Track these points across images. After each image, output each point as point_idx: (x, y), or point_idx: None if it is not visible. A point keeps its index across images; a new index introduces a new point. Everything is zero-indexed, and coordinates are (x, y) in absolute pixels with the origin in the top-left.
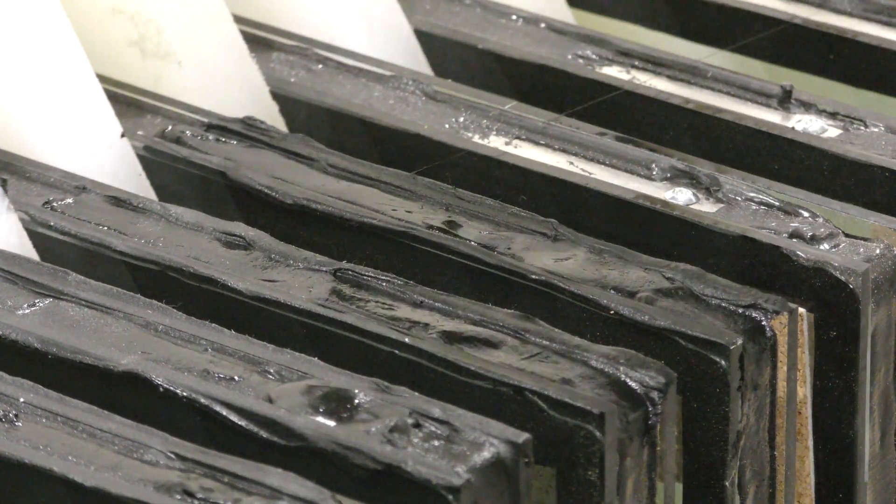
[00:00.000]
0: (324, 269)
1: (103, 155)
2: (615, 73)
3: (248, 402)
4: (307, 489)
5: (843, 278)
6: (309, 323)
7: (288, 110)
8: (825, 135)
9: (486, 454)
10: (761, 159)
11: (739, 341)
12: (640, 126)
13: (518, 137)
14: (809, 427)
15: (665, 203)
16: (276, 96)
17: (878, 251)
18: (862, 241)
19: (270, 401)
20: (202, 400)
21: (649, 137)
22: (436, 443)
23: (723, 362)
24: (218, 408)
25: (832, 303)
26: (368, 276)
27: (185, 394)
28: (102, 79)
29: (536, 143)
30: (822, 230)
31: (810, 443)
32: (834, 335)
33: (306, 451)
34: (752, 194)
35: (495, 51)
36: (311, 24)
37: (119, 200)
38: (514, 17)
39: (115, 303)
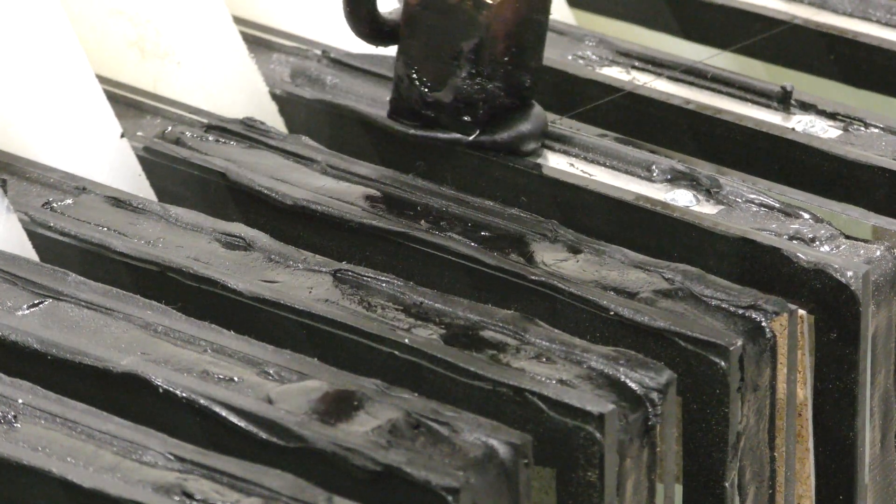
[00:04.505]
0: (323, 269)
1: (103, 156)
2: (615, 73)
3: (248, 403)
4: (306, 490)
5: (843, 280)
6: (309, 324)
7: (288, 111)
8: (825, 135)
9: (486, 455)
10: (761, 160)
11: (739, 342)
12: (640, 127)
13: None
14: (810, 429)
15: (665, 205)
16: (276, 97)
17: (878, 253)
18: (862, 243)
19: (270, 402)
20: (201, 401)
21: (650, 138)
22: (435, 444)
23: (722, 363)
24: (217, 409)
25: (832, 305)
26: (368, 276)
27: (184, 395)
28: (102, 79)
29: None
30: (823, 232)
31: (810, 444)
32: (834, 337)
33: (306, 452)
34: (752, 196)
35: None
36: (311, 25)
37: (119, 201)
38: None
39: (114, 303)
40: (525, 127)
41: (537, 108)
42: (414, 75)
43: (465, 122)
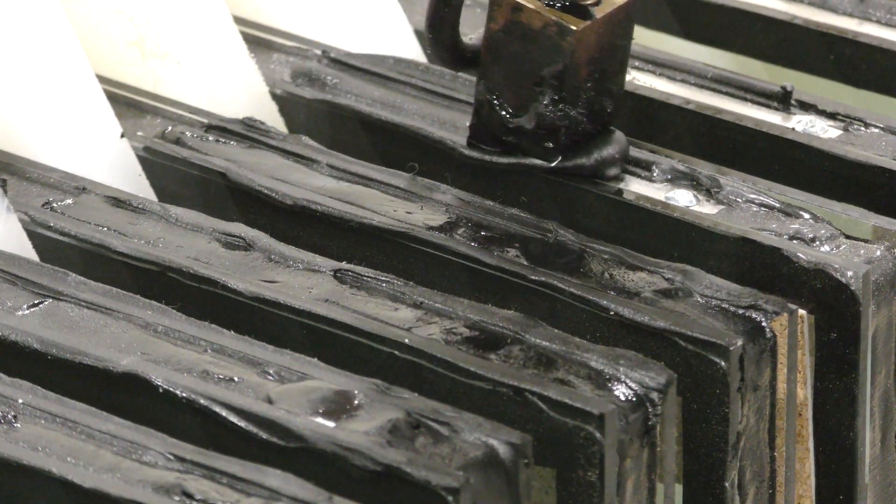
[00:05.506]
0: (324, 269)
1: (103, 156)
2: None
3: (248, 403)
4: (306, 490)
5: (843, 280)
6: (309, 323)
7: (288, 111)
8: (825, 135)
9: (486, 455)
10: (762, 160)
11: (739, 342)
12: (640, 127)
13: None
14: (810, 429)
15: (665, 205)
16: (276, 97)
17: (878, 253)
18: (862, 243)
19: (270, 402)
20: (201, 401)
21: (650, 138)
22: (435, 444)
23: (723, 363)
24: (217, 409)
25: (833, 304)
26: (368, 276)
27: (184, 394)
28: (102, 79)
29: None
30: (823, 232)
31: (811, 444)
32: (834, 337)
33: (306, 452)
34: (752, 196)
35: None
36: (311, 25)
37: (119, 201)
38: None
39: (114, 303)
40: (607, 152)
41: (618, 134)
42: (495, 101)
43: (547, 149)
